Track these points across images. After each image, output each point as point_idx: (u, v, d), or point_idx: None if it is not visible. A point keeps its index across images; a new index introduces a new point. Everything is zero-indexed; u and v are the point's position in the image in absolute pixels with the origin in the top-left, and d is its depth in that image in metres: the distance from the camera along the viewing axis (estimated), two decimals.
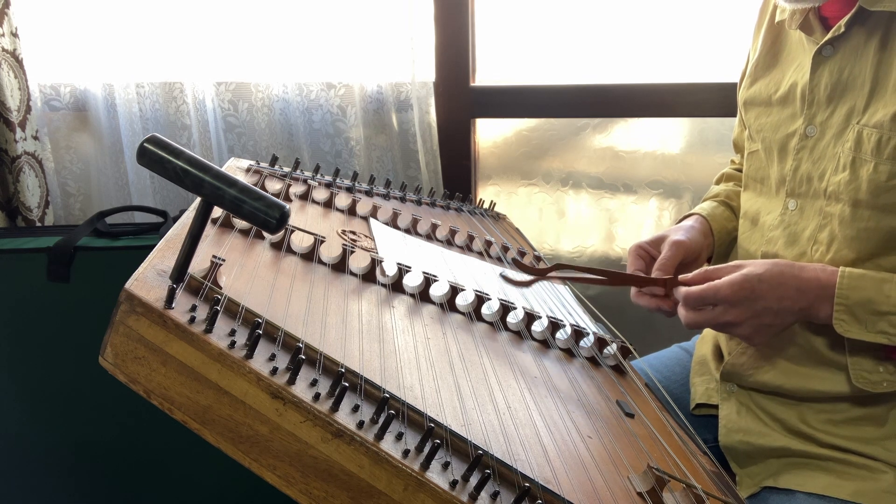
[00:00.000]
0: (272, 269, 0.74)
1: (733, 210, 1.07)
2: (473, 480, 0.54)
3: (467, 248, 1.13)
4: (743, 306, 0.80)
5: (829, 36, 0.85)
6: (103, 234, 1.42)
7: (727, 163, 1.19)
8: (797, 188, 0.90)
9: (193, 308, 0.56)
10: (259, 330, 0.55)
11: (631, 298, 0.93)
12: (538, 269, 0.88)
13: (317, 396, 0.54)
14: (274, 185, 1.04)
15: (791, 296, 0.80)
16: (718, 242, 1.03)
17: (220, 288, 0.61)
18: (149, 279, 0.58)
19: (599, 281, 0.90)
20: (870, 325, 0.79)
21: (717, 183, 1.16)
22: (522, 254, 1.20)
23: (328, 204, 1.06)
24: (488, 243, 1.16)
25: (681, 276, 0.86)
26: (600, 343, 0.92)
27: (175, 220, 1.46)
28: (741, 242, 1.00)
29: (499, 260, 1.12)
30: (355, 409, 0.55)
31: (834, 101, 0.86)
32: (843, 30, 0.83)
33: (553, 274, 0.90)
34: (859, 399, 0.86)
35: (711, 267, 0.85)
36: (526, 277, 0.87)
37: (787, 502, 0.87)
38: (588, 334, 0.91)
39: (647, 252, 0.96)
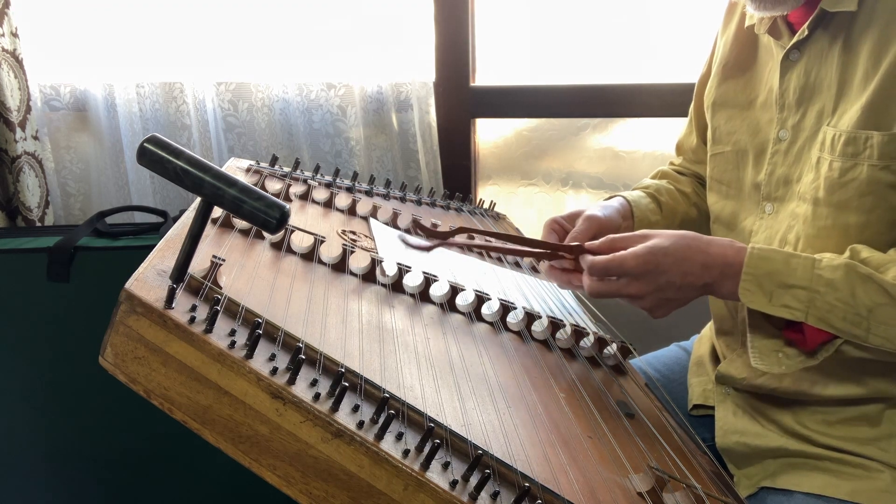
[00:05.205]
0: (272, 269, 0.74)
1: (660, 204, 1.07)
2: (473, 480, 0.54)
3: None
4: (646, 279, 0.79)
5: (794, 40, 0.86)
6: (103, 234, 1.42)
7: None
8: (773, 192, 0.90)
9: (193, 308, 0.56)
10: (259, 330, 0.55)
11: (544, 274, 0.92)
12: (440, 232, 0.86)
13: (317, 396, 0.54)
14: (274, 185, 1.04)
15: (695, 271, 0.80)
16: (638, 229, 1.02)
17: (220, 288, 0.61)
18: (149, 279, 0.58)
19: (505, 249, 0.88)
20: (775, 298, 0.78)
21: (652, 179, 1.16)
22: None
23: (328, 204, 1.06)
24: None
25: (587, 243, 0.85)
26: (600, 343, 0.92)
27: (175, 220, 1.46)
28: None
29: (499, 260, 1.12)
30: (355, 409, 0.55)
31: (804, 104, 0.87)
32: (806, 33, 0.85)
33: (456, 239, 0.87)
34: (852, 399, 0.86)
35: (618, 235, 0.84)
36: (426, 242, 0.85)
37: (786, 502, 0.87)
38: (588, 334, 0.91)
39: (561, 226, 0.95)
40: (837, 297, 0.77)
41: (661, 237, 0.81)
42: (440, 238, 0.85)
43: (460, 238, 0.88)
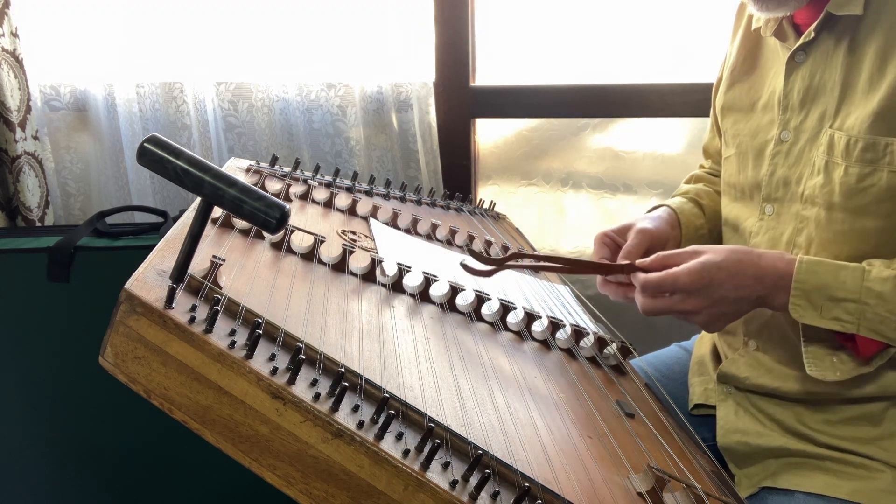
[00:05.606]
0: (272, 269, 0.74)
1: (702, 208, 1.07)
2: (473, 480, 0.54)
3: (467, 248, 1.13)
4: (701, 295, 0.80)
5: (800, 42, 0.86)
6: (103, 234, 1.42)
7: None
8: (773, 193, 0.91)
9: (193, 308, 0.56)
10: (259, 330, 0.55)
11: (598, 289, 0.93)
12: (496, 259, 0.87)
13: (317, 396, 0.54)
14: (274, 185, 1.04)
15: (748, 284, 0.80)
16: (685, 237, 1.03)
17: (220, 288, 0.61)
18: (149, 279, 0.58)
19: (559, 269, 0.89)
20: (825, 312, 0.79)
21: (687, 183, 1.16)
22: (506, 249, 1.20)
23: (328, 204, 1.06)
24: (488, 243, 1.16)
25: (638, 261, 0.86)
26: (600, 343, 0.92)
27: (175, 220, 1.46)
28: None
29: None
30: (355, 409, 0.55)
31: (807, 105, 0.87)
32: (812, 35, 0.85)
33: (513, 263, 0.89)
34: (854, 399, 0.86)
35: (669, 252, 0.84)
36: (486, 267, 0.86)
37: (787, 502, 0.87)
38: (588, 334, 0.91)
39: (613, 240, 0.96)
40: (888, 308, 0.77)
41: (712, 252, 0.81)
42: (496, 265, 0.86)
43: (516, 262, 0.89)
